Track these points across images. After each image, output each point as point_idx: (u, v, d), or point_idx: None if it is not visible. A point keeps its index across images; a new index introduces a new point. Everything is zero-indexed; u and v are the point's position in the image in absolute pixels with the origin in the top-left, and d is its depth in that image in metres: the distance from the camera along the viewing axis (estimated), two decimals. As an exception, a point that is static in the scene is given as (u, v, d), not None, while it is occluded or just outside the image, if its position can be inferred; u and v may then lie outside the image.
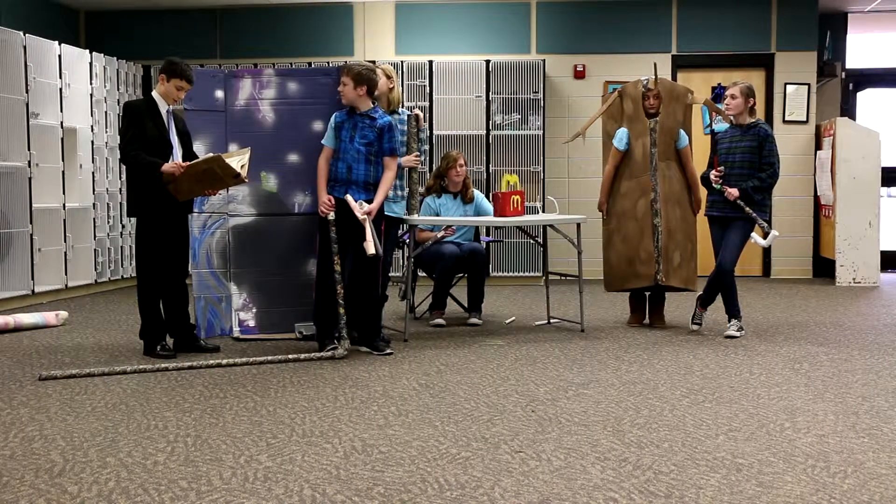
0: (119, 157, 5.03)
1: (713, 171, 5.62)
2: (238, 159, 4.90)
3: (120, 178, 8.28)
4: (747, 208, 5.49)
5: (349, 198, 4.93)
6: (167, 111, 5.00)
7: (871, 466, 3.02)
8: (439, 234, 6.01)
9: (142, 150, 4.84)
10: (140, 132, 4.88)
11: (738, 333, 5.57)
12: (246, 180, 5.01)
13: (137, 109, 4.94)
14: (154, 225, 4.94)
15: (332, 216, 4.94)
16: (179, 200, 4.94)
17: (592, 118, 6.30)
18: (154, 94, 5.02)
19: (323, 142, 5.08)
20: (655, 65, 6.25)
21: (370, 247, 4.86)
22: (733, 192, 5.49)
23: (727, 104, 5.66)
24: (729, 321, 5.66)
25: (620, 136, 6.03)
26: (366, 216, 4.88)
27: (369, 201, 4.95)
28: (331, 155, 5.03)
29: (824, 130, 8.83)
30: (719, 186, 5.55)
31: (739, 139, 5.60)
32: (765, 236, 5.62)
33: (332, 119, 5.06)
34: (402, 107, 5.77)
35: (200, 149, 5.40)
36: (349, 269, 5.06)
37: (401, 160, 5.53)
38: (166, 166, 4.81)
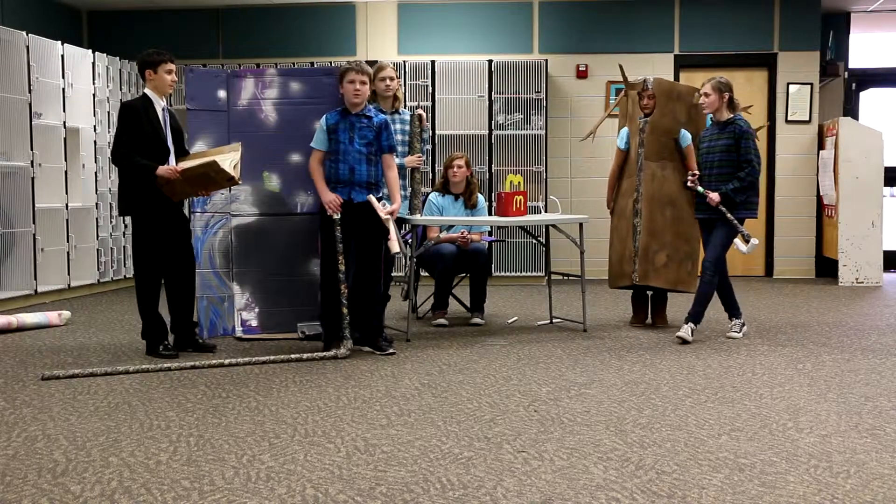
0: (110, 157, 4.99)
1: (688, 176, 5.53)
2: (230, 160, 4.87)
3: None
4: (728, 214, 5.37)
5: (372, 198, 4.94)
6: (163, 109, 4.99)
7: (874, 466, 3.02)
8: (453, 236, 6.06)
9: (135, 152, 4.82)
10: (136, 133, 4.85)
11: (738, 334, 5.56)
12: (239, 182, 5.00)
13: (135, 109, 4.90)
14: (149, 224, 4.92)
15: (336, 216, 4.94)
16: (174, 201, 4.93)
17: (602, 118, 6.44)
18: (148, 93, 4.98)
19: (313, 145, 5.02)
20: (621, 66, 6.27)
21: (395, 245, 4.88)
22: (714, 197, 5.38)
23: (702, 102, 5.54)
24: (730, 320, 5.64)
25: (622, 136, 6.07)
26: (389, 216, 4.90)
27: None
28: (322, 158, 5.00)
29: (827, 130, 8.82)
30: (702, 190, 5.45)
31: (717, 137, 5.49)
32: (746, 242, 5.46)
33: (323, 121, 5.01)
34: (404, 107, 5.78)
35: (202, 149, 5.39)
36: (353, 268, 5.06)
37: (404, 160, 5.54)
38: (162, 170, 4.79)
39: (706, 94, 5.48)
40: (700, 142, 5.67)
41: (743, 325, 5.63)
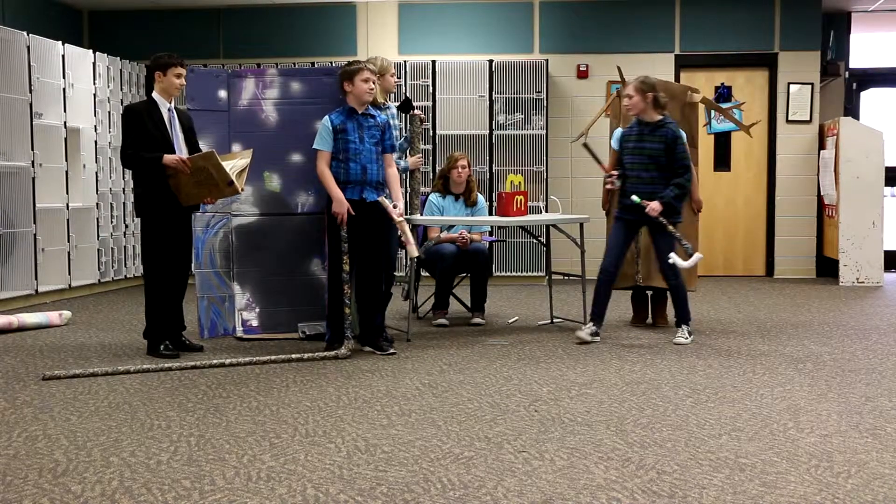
0: (121, 160, 5.04)
1: (606, 178, 5.27)
2: (232, 164, 4.87)
3: (123, 177, 8.29)
4: (669, 227, 5.17)
5: (384, 200, 4.93)
6: (169, 110, 5.00)
7: (875, 466, 3.02)
8: (453, 236, 6.06)
9: (141, 151, 4.85)
10: (141, 135, 4.87)
11: (596, 338, 5.38)
12: (241, 191, 4.99)
13: (137, 112, 4.94)
14: (160, 225, 4.94)
15: (344, 229, 4.91)
16: (182, 205, 4.94)
17: (594, 118, 6.38)
18: (154, 95, 5.01)
19: (320, 147, 4.94)
20: (619, 68, 6.26)
21: (413, 249, 4.88)
22: (655, 206, 5.15)
23: (626, 105, 5.33)
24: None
25: (616, 136, 6.05)
26: (402, 219, 4.90)
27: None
28: (329, 158, 4.97)
29: (828, 130, 8.82)
30: (638, 200, 5.17)
31: (646, 140, 5.28)
32: (687, 257, 5.19)
33: (328, 122, 4.94)
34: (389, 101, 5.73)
35: (204, 149, 5.39)
36: (356, 268, 5.06)
37: (409, 161, 5.56)
38: (168, 158, 4.81)
39: (629, 96, 5.28)
40: (624, 141, 5.42)
41: (597, 333, 5.38)
